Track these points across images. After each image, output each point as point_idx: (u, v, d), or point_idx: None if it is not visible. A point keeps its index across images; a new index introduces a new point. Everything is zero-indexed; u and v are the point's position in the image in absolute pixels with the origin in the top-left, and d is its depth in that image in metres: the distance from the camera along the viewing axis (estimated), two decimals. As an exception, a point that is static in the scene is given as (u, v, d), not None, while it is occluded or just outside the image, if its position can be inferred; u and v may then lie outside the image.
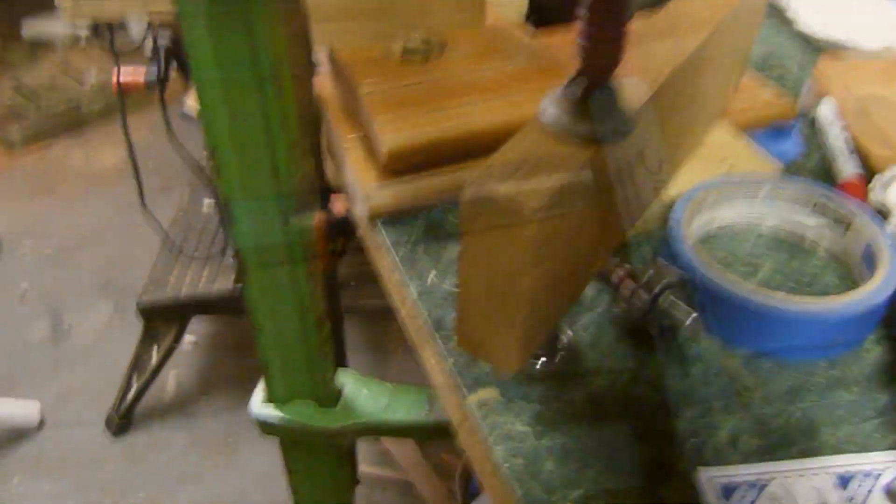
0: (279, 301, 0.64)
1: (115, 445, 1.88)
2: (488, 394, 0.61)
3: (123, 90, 1.40)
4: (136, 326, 1.88)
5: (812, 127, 0.90)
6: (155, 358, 1.91)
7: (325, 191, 0.93)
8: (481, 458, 0.59)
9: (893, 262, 0.64)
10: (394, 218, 0.76)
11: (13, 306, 2.21)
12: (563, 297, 0.56)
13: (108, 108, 2.82)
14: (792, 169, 0.84)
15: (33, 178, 2.69)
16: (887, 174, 0.74)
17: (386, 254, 0.74)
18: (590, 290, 0.70)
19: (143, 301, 1.84)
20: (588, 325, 0.67)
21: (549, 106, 0.51)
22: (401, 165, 0.74)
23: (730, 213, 0.74)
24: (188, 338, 2.11)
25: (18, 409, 1.88)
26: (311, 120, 0.83)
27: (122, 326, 2.13)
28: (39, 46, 3.01)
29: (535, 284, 0.49)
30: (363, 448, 1.85)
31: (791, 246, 0.74)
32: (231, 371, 2.04)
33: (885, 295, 0.61)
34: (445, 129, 0.74)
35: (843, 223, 0.70)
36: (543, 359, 0.62)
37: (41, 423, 1.91)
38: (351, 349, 2.08)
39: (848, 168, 0.79)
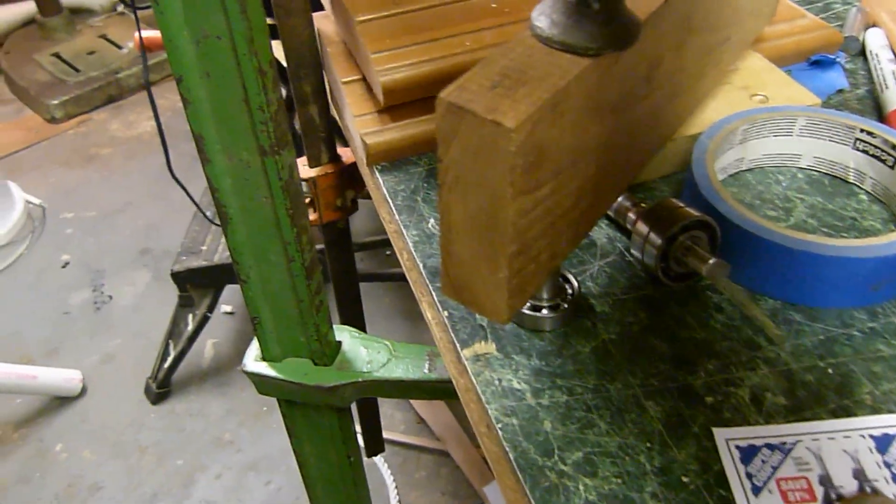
0: (262, 248, 0.59)
1: (154, 412, 1.89)
2: (484, 348, 0.56)
3: (147, 48, 1.37)
4: (174, 293, 1.88)
5: (858, 58, 0.82)
6: (191, 325, 1.91)
7: (332, 140, 0.88)
8: (476, 416, 0.54)
9: (946, 198, 0.56)
10: (395, 163, 0.71)
11: (56, 275, 2.23)
12: (564, 236, 0.50)
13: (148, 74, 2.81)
14: (834, 103, 0.76)
15: (74, 146, 2.71)
16: (941, 102, 0.66)
17: (384, 201, 0.69)
18: (602, 236, 0.64)
19: (177, 268, 1.83)
20: (598, 273, 0.61)
21: (542, 13, 0.45)
22: (401, 104, 0.68)
23: (762, 151, 0.67)
24: (224, 307, 2.10)
25: (61, 379, 1.90)
26: (312, 61, 0.78)
27: (160, 294, 2.14)
28: (78, 15, 3.03)
29: (523, 216, 0.43)
30: (398, 417, 1.83)
31: (829, 186, 0.66)
32: (267, 339, 2.03)
33: (934, 235, 0.54)
34: (452, 60, 0.68)
35: (889, 158, 0.62)
36: (546, 310, 0.57)
37: (83, 391, 1.93)
38: (386, 316, 2.06)
39: (897, 100, 0.71)
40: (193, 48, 0.50)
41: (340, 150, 0.90)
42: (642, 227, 0.57)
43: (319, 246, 1.01)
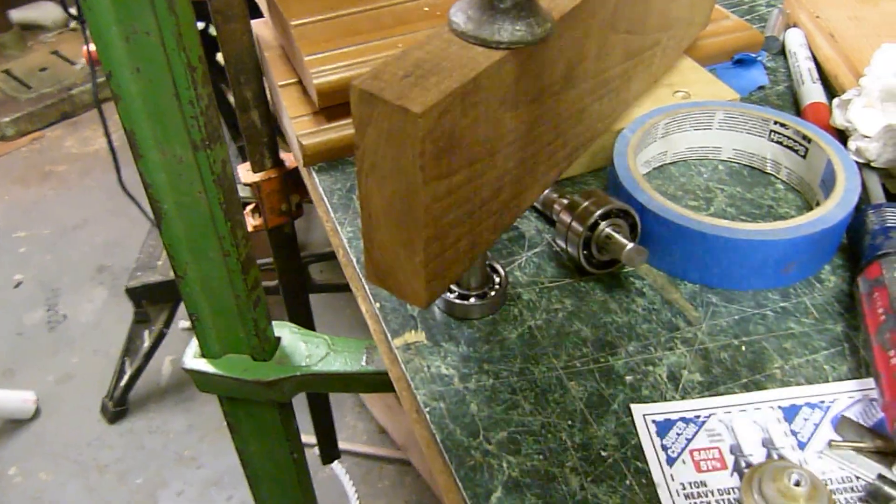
0: (198, 244, 0.60)
1: (113, 430, 1.87)
2: (414, 337, 0.58)
3: (97, 61, 1.38)
4: (130, 311, 1.87)
5: (779, 57, 0.85)
6: (147, 342, 1.89)
7: (275, 145, 0.90)
8: (408, 404, 0.56)
9: (850, 182, 0.59)
10: (331, 163, 0.73)
11: (8, 295, 2.20)
12: (484, 226, 0.52)
13: (101, 90, 2.79)
14: (756, 99, 0.79)
15: (28, 164, 2.68)
16: (846, 94, 0.69)
17: (320, 200, 0.70)
18: (531, 228, 0.66)
19: (132, 284, 1.82)
20: (526, 263, 0.63)
21: (459, 9, 0.47)
22: (335, 105, 0.70)
23: (684, 144, 0.70)
24: (182, 323, 2.09)
25: (14, 401, 1.88)
26: (251, 66, 0.80)
27: (118, 311, 2.12)
28: (29, 33, 3.01)
29: (437, 202, 0.45)
30: (360, 427, 1.83)
31: (749, 176, 0.69)
32: (226, 353, 2.01)
33: (837, 218, 0.57)
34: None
35: (801, 148, 0.65)
36: (474, 299, 0.58)
37: (37, 412, 1.90)
38: (348, 327, 2.06)
39: (812, 95, 0.74)
40: (123, 44, 0.51)
41: (283, 154, 0.91)
42: (565, 217, 0.59)
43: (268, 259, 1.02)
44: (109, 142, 1.52)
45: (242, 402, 0.71)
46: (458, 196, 0.47)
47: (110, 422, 1.88)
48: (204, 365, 0.67)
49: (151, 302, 1.87)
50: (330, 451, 1.31)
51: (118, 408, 1.88)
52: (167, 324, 1.90)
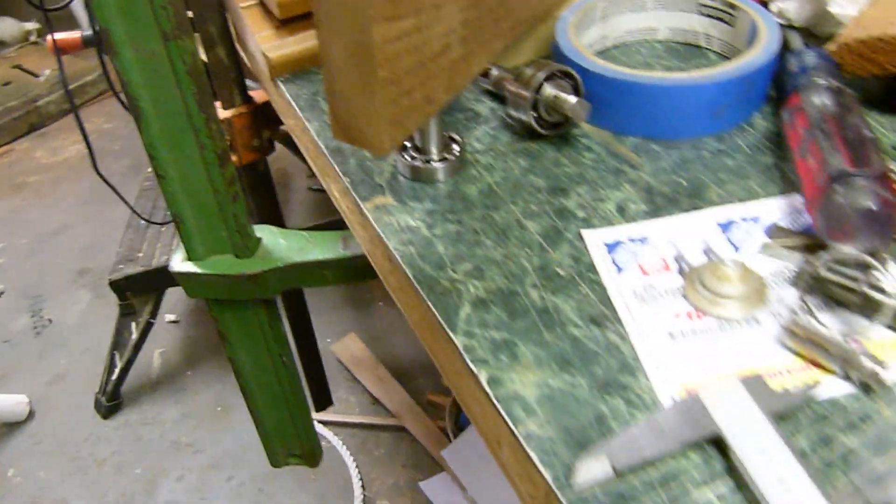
0: (176, 139, 0.64)
1: (108, 425, 1.88)
2: (383, 200, 0.62)
3: (60, 49, 1.41)
4: (115, 309, 1.89)
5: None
6: (135, 334, 1.91)
7: (243, 81, 0.94)
8: (380, 259, 0.60)
9: (771, 34, 0.65)
10: (296, 74, 0.77)
11: (-7, 305, 2.22)
12: (437, 82, 0.56)
13: (66, 101, 2.81)
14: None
15: (0, 178, 2.70)
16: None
17: (289, 108, 0.75)
18: (485, 109, 0.71)
19: (115, 277, 1.84)
20: (483, 136, 0.68)
21: None
22: (297, 17, 0.75)
23: (622, 28, 0.75)
24: (169, 316, 2.12)
25: (7, 404, 1.89)
26: (214, 1, 0.84)
27: (103, 311, 2.14)
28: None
29: (390, 44, 0.50)
30: (353, 400, 1.86)
31: (684, 52, 0.74)
32: (214, 343, 2.05)
33: (761, 61, 0.62)
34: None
35: (729, 16, 0.70)
36: (436, 163, 0.63)
37: (31, 415, 1.92)
38: (332, 307, 2.10)
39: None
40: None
41: (252, 92, 0.96)
42: (513, 86, 0.64)
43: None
44: (79, 121, 1.53)
45: (230, 305, 0.75)
46: (409, 43, 0.52)
47: (104, 417, 1.89)
48: (191, 267, 0.71)
49: (136, 293, 1.89)
50: (323, 399, 1.35)
51: (111, 402, 1.90)
52: (153, 314, 1.91)
